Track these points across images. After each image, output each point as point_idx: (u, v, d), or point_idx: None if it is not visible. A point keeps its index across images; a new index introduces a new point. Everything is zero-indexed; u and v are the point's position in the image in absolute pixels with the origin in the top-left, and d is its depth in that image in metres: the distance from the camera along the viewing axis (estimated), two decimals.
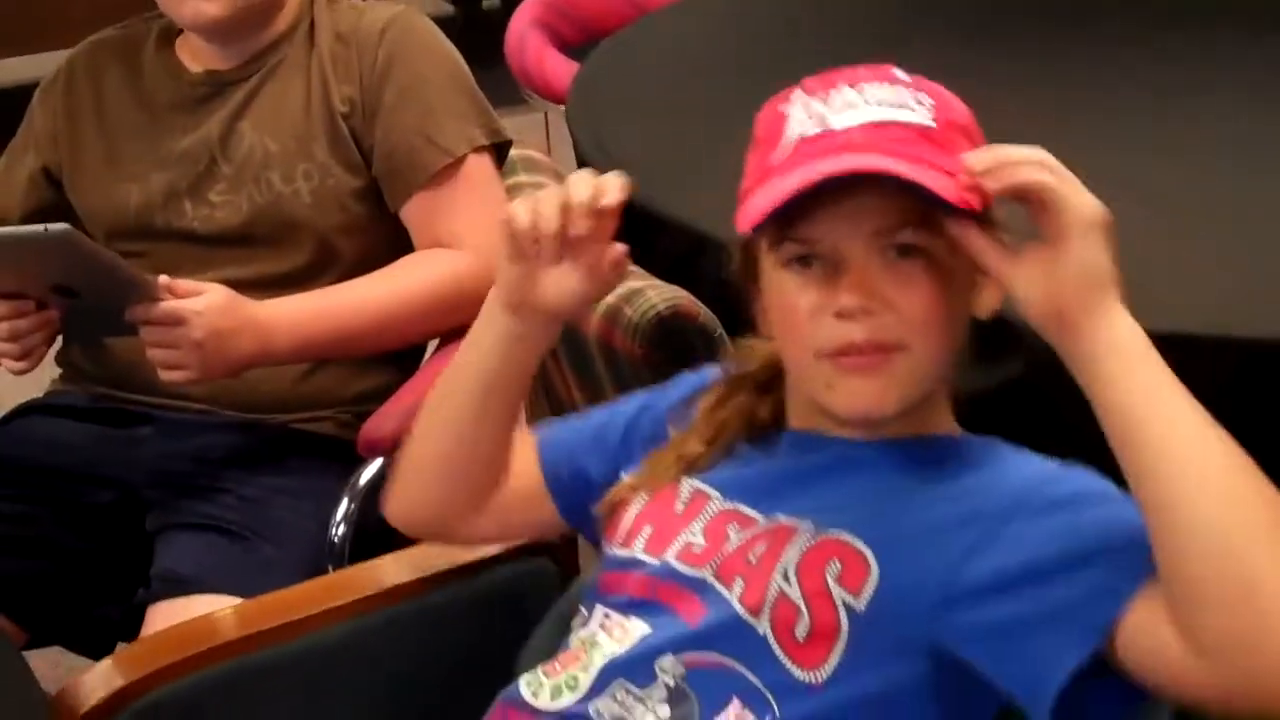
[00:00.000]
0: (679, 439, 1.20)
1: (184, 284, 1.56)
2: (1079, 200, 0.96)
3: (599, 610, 1.15)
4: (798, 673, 1.04)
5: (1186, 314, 1.51)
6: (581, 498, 1.26)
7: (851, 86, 1.06)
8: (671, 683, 1.07)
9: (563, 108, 2.39)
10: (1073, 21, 2.49)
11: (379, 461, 1.62)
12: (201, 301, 1.56)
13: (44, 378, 1.85)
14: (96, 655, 1.74)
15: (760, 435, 1.18)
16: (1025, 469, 1.08)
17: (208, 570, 1.58)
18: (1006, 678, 1.00)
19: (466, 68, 1.80)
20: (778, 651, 1.04)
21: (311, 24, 1.76)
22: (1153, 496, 0.94)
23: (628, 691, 1.08)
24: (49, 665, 1.84)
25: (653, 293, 1.60)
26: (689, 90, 2.30)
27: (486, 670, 1.24)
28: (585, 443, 1.28)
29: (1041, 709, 0.98)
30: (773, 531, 1.09)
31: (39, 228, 1.46)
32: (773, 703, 1.04)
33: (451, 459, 1.23)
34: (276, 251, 1.72)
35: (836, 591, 1.04)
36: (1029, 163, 0.97)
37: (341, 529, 1.58)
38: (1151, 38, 2.40)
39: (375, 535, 1.59)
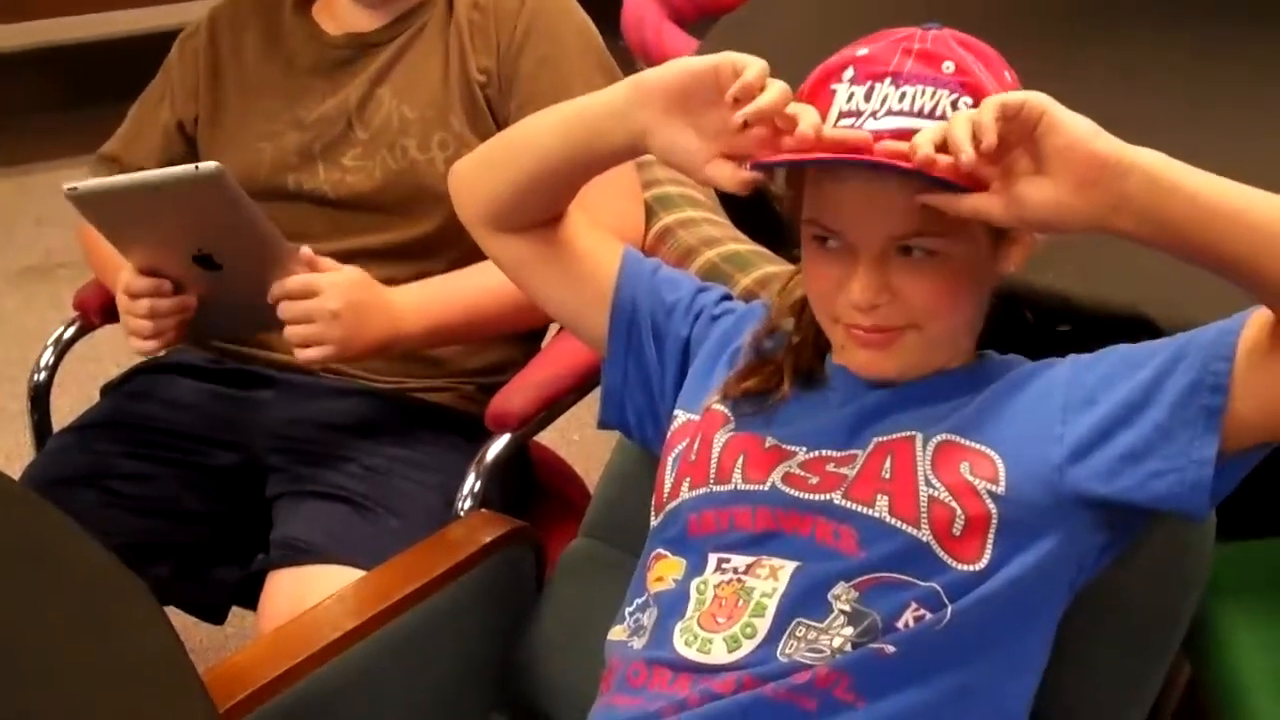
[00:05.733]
0: (736, 381, 1.25)
1: (324, 261, 1.57)
2: (1018, 98, 1.02)
3: (711, 557, 1.18)
4: (962, 567, 1.11)
5: None
6: (632, 337, 1.31)
7: (895, 84, 1.10)
8: (849, 608, 1.12)
9: None
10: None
11: (505, 437, 1.60)
12: (340, 275, 1.56)
13: None
14: (212, 618, 1.75)
15: (806, 371, 1.24)
16: (1054, 361, 1.18)
17: (329, 539, 1.56)
18: (1159, 496, 1.09)
19: (602, 42, 1.78)
20: (940, 553, 1.11)
21: None
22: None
23: (808, 627, 1.12)
24: None
25: (770, 266, 1.57)
26: (809, 69, 2.26)
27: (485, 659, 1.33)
28: (664, 288, 1.33)
29: (1201, 506, 1.08)
30: (890, 447, 1.15)
31: (189, 167, 1.44)
32: (944, 598, 1.11)
33: (517, 181, 1.27)
34: (407, 219, 1.70)
35: (977, 483, 1.12)
36: (958, 124, 1.03)
37: (468, 504, 1.56)
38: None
39: (499, 510, 1.58)
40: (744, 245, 1.62)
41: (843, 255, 1.14)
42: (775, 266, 1.55)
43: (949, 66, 1.11)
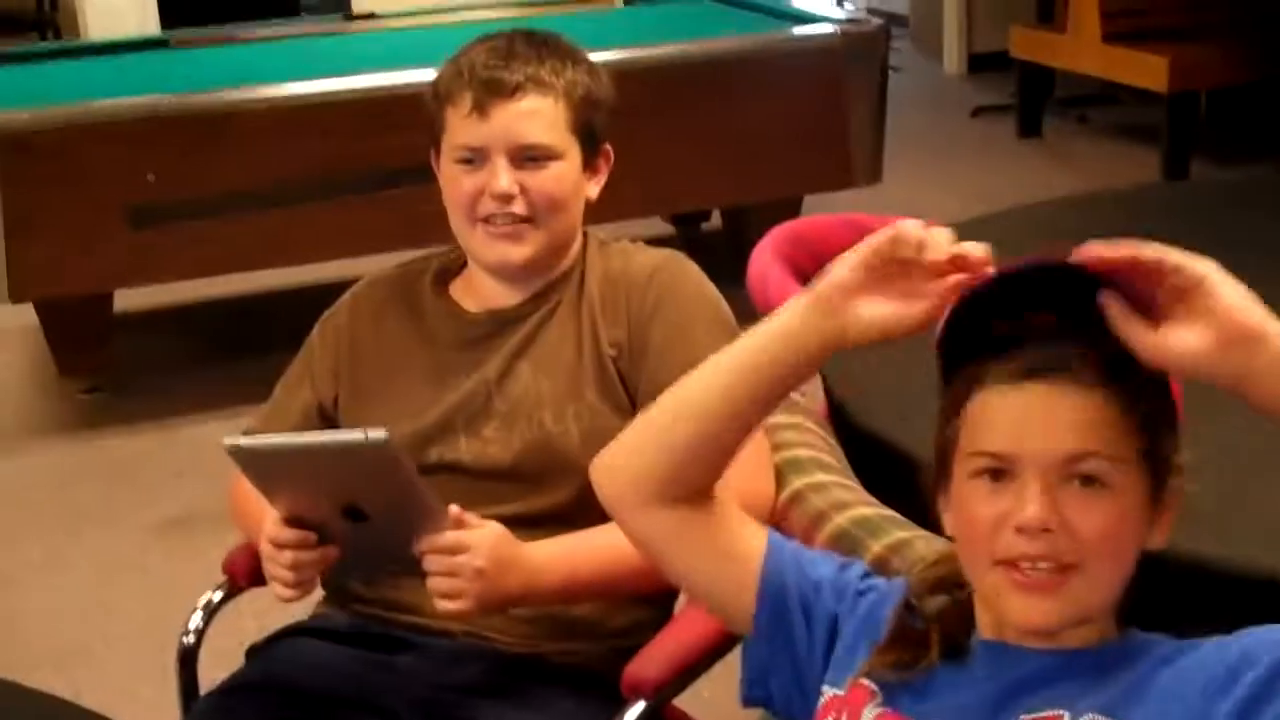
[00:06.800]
0: (881, 655, 1.26)
1: (471, 517, 1.61)
2: (1191, 258, 1.09)
3: None
4: None
5: None
6: (781, 615, 1.31)
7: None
8: None
9: None
10: None
11: (641, 705, 1.61)
12: (485, 532, 1.61)
13: (309, 599, 1.89)
14: None
15: (950, 644, 1.25)
16: (1198, 642, 1.19)
17: None
18: None
19: (728, 308, 1.84)
20: None
21: (584, 266, 1.82)
22: None
23: None
24: None
25: (921, 544, 1.58)
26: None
27: None
28: (811, 571, 1.34)
29: None
30: None
31: (358, 433, 1.50)
32: None
33: (675, 451, 1.29)
34: (541, 489, 1.76)
35: None
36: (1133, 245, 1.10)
37: None
38: None
39: None
40: (874, 510, 1.64)
41: (1009, 487, 1.17)
42: (907, 532, 1.57)
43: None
